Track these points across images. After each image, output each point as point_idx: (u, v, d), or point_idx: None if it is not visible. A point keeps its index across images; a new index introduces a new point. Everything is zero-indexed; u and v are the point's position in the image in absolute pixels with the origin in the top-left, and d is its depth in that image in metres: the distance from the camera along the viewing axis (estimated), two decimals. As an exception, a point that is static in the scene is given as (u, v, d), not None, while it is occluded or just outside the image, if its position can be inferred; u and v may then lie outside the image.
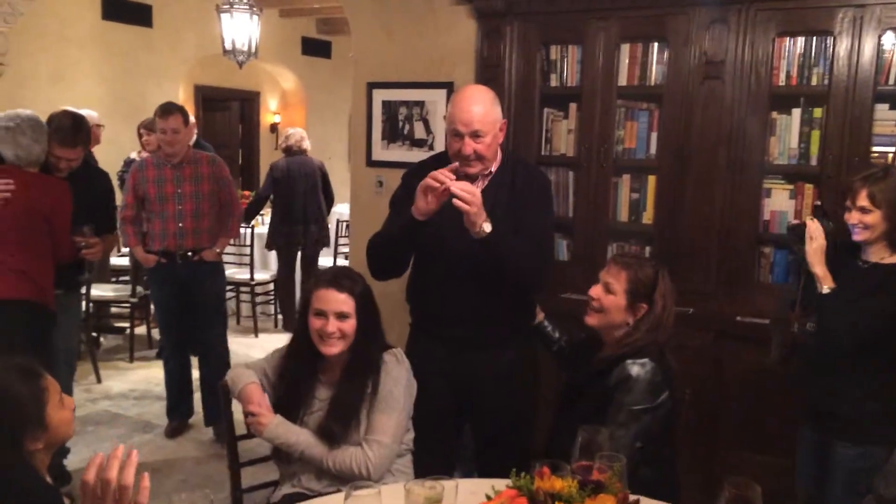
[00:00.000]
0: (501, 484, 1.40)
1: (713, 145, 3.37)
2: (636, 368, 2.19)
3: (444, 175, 2.26)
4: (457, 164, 2.37)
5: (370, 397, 2.22)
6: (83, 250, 3.45)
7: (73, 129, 3.44)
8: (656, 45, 3.52)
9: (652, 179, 3.58)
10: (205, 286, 4.29)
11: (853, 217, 2.42)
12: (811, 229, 2.47)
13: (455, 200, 2.24)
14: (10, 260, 3.17)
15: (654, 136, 3.57)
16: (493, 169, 2.58)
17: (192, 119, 5.96)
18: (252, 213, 6.65)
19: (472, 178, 2.54)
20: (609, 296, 2.29)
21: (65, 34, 7.21)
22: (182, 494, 1.31)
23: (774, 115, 3.33)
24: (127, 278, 5.88)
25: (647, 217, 3.62)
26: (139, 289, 5.58)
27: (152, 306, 5.35)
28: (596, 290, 2.33)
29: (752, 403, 3.35)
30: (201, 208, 4.21)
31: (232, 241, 6.59)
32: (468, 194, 2.26)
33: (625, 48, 3.57)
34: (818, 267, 2.45)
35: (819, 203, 2.76)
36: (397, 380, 2.21)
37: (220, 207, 4.32)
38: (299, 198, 6.45)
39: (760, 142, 3.33)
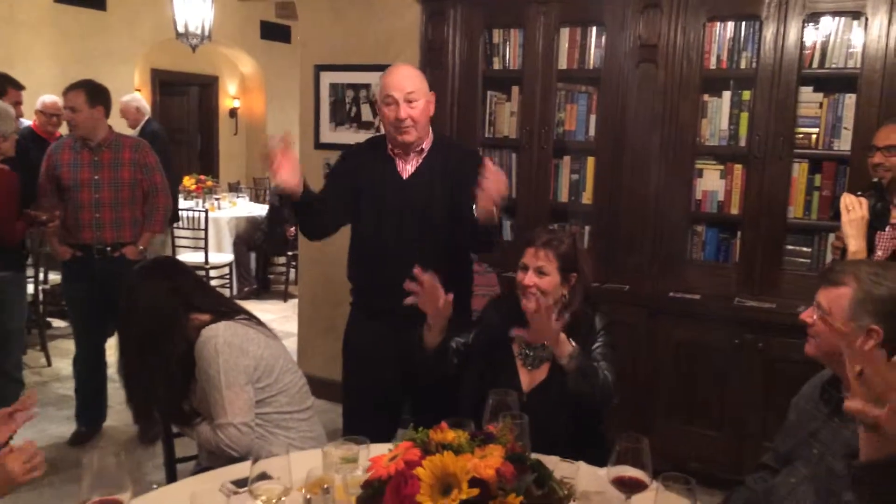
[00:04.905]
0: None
1: (648, 127, 3.47)
2: (602, 318, 2.37)
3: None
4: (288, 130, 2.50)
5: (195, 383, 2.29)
6: (48, 223, 3.56)
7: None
8: (594, 29, 3.61)
9: (591, 161, 3.68)
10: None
11: None
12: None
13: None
14: None
15: (592, 118, 3.67)
16: (426, 147, 2.66)
17: (139, 102, 5.94)
18: None
19: (405, 152, 2.63)
20: (545, 278, 2.29)
21: (15, 18, 7.11)
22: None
23: (706, 97, 3.44)
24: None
25: (587, 197, 3.72)
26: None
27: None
28: (530, 279, 2.29)
29: (683, 376, 3.46)
30: (120, 197, 3.80)
31: (181, 226, 6.59)
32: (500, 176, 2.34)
33: (564, 32, 3.65)
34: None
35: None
36: (209, 359, 2.19)
37: (145, 198, 3.92)
38: None
39: (692, 124, 3.43)
